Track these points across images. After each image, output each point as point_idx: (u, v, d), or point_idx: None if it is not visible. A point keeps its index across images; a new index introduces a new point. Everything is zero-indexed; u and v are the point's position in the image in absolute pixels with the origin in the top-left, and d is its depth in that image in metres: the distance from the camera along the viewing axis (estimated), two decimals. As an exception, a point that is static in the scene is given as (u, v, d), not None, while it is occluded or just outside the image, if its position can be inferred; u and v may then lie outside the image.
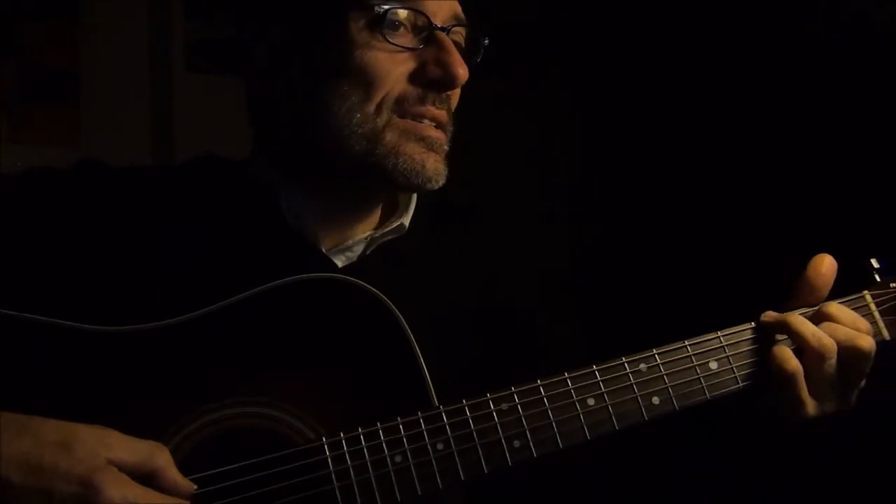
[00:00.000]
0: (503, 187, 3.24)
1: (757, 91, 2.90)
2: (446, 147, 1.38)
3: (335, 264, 1.38)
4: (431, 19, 1.34)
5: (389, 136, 1.32)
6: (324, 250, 1.38)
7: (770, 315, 1.30)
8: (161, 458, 1.10)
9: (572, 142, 3.46)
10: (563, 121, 3.47)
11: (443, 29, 1.34)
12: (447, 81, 1.34)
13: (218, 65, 3.04)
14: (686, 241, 3.05)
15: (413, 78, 1.33)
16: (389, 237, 1.42)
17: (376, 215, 1.45)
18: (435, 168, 1.34)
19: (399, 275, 1.38)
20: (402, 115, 1.33)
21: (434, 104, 1.34)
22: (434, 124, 1.35)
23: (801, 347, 1.26)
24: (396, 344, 1.21)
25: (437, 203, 1.52)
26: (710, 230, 3.00)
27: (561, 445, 1.19)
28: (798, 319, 1.27)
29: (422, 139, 1.34)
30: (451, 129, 1.39)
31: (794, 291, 1.33)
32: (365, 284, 1.22)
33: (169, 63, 3.08)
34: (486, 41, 1.42)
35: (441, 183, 1.36)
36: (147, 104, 3.08)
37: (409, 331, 1.21)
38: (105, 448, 1.07)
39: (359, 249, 1.40)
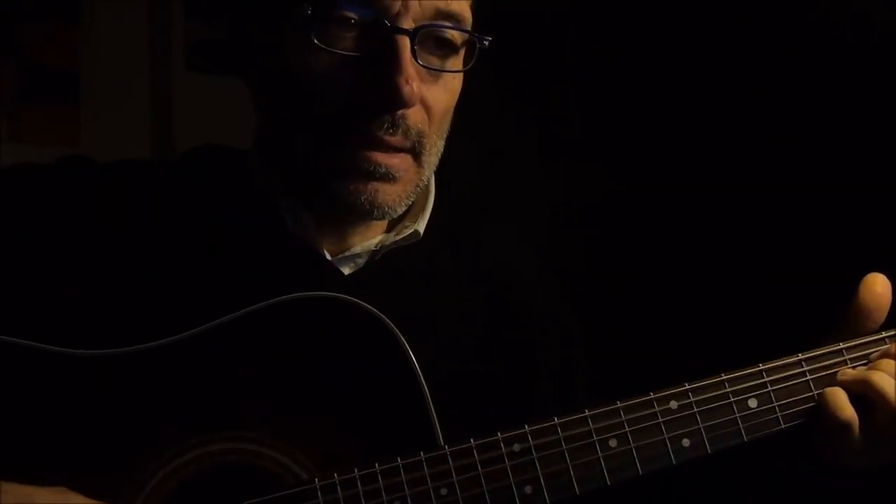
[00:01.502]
0: (506, 188, 3.19)
1: (759, 91, 2.82)
2: (409, 169, 1.20)
3: (341, 273, 1.26)
4: (390, 17, 1.13)
5: (326, 163, 1.17)
6: (328, 257, 1.25)
7: (848, 374, 1.14)
8: None
9: (578, 142, 3.42)
10: (569, 121, 3.44)
11: (404, 31, 1.13)
12: (387, 102, 1.14)
13: (218, 65, 2.98)
14: (704, 245, 2.99)
15: (355, 90, 1.15)
16: (402, 244, 1.29)
17: (386, 221, 1.30)
18: (382, 200, 1.17)
19: (410, 284, 1.27)
20: (348, 139, 1.16)
21: (384, 129, 1.15)
22: (386, 150, 1.17)
23: (881, 406, 1.11)
24: (401, 374, 1.10)
25: (446, 206, 1.40)
26: (720, 232, 2.92)
27: (577, 492, 1.08)
28: (882, 378, 1.11)
29: (361, 169, 1.16)
30: (423, 144, 1.20)
31: (845, 317, 1.18)
32: (368, 306, 1.11)
33: (169, 63, 3.04)
34: (486, 43, 1.21)
35: (399, 210, 1.21)
36: (147, 104, 3.04)
37: (415, 362, 1.10)
38: None
39: (366, 257, 1.28)
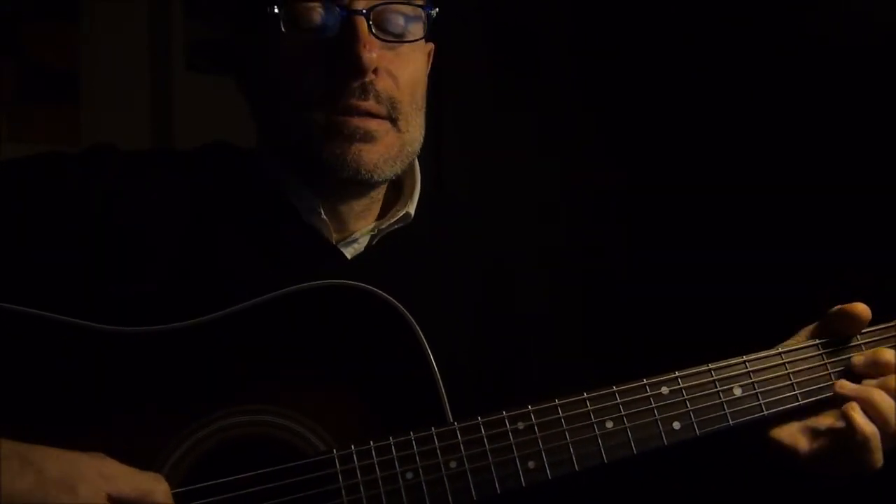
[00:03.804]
0: (502, 182, 3.23)
1: (751, 90, 2.88)
2: (389, 132, 1.32)
3: (345, 256, 1.36)
4: (346, 3, 1.28)
5: (314, 133, 1.29)
6: (334, 242, 1.36)
7: (846, 387, 1.22)
8: (159, 492, 1.08)
9: (573, 137, 3.45)
10: (564, 117, 3.48)
11: (358, 12, 1.28)
12: (351, 70, 1.27)
13: (218, 65, 3.03)
14: (689, 237, 3.03)
15: (326, 69, 1.29)
16: (396, 226, 1.39)
17: (378, 205, 1.42)
18: (367, 159, 1.29)
19: (406, 265, 1.37)
20: (328, 110, 1.29)
21: (356, 95, 1.28)
22: (361, 116, 1.29)
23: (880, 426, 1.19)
24: (412, 354, 1.19)
25: (436, 193, 1.49)
26: (712, 228, 2.97)
27: (577, 468, 1.16)
28: (879, 395, 1.20)
29: (342, 133, 1.28)
30: (398, 110, 1.32)
31: (823, 320, 1.28)
32: (382, 293, 1.20)
33: (169, 63, 3.07)
34: (433, 12, 1.35)
35: (386, 172, 1.31)
36: (147, 104, 3.06)
37: (425, 342, 1.18)
38: (106, 481, 1.05)
39: (365, 241, 1.38)
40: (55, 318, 1.16)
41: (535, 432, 1.16)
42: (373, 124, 1.29)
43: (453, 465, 1.14)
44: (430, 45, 1.43)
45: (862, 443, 1.18)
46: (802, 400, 1.22)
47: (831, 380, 1.24)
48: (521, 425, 1.16)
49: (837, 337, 1.27)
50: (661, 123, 3.16)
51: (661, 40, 3.15)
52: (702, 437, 1.19)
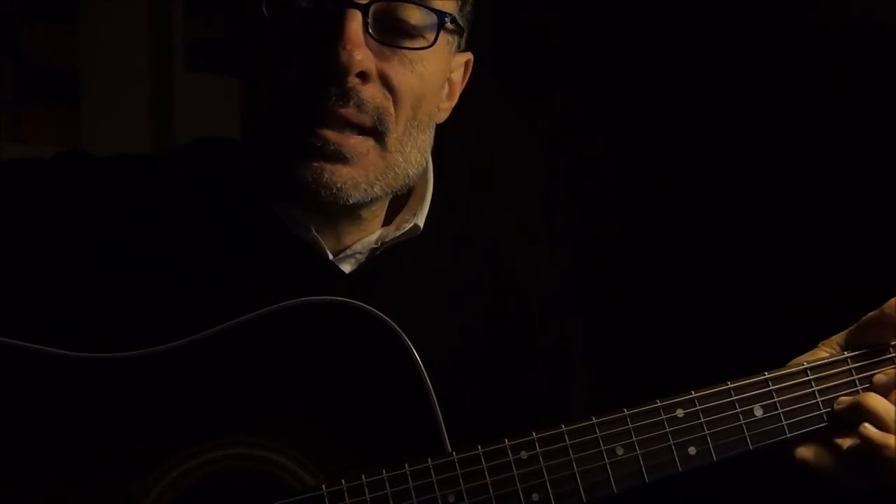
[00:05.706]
0: (503, 182, 3.22)
1: (755, 89, 2.84)
2: (370, 152, 1.17)
3: (342, 272, 1.24)
4: None
5: (283, 143, 1.15)
6: (330, 257, 1.24)
7: (842, 402, 1.11)
8: None
9: (577, 141, 3.43)
10: (566, 117, 3.45)
11: (354, 4, 1.11)
12: (329, 71, 1.11)
13: (218, 65, 2.98)
14: (706, 244, 2.98)
15: (306, 67, 1.13)
16: (402, 239, 1.27)
17: (380, 217, 1.29)
18: (330, 181, 1.14)
19: (411, 281, 1.27)
20: (303, 113, 1.14)
21: (334, 100, 1.13)
22: (338, 126, 1.14)
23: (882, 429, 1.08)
24: (407, 377, 1.10)
25: (446, 200, 1.38)
26: (720, 231, 2.92)
27: (584, 499, 1.07)
28: (874, 399, 1.09)
29: (309, 146, 1.14)
30: (386, 124, 1.16)
31: (854, 329, 1.16)
32: (373, 310, 1.10)
33: (169, 63, 3.02)
34: (446, 20, 1.18)
35: (356, 196, 1.16)
36: (147, 104, 3.02)
37: (421, 364, 1.09)
38: None
39: (366, 253, 1.26)
40: (17, 344, 1.08)
41: (539, 462, 1.07)
42: (351, 141, 1.15)
43: (451, 499, 1.06)
44: (467, 56, 1.30)
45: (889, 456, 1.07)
46: (829, 420, 1.12)
47: None
48: (524, 454, 1.07)
49: (871, 347, 1.15)
50: (665, 123, 3.13)
51: (663, 41, 3.12)
52: (718, 462, 1.10)
